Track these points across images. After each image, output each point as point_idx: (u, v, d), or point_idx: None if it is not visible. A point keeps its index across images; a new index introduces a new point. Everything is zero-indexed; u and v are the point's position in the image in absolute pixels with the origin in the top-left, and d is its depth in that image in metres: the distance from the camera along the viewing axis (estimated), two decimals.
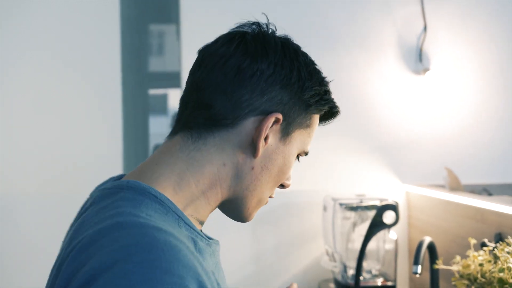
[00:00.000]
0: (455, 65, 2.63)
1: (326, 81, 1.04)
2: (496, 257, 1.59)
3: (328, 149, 2.52)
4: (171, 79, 2.67)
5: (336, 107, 1.05)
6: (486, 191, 2.42)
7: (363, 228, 2.24)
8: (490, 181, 2.57)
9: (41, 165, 2.46)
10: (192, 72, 1.00)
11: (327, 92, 1.03)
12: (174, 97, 2.78)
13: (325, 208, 2.40)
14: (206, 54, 0.99)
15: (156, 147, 2.82)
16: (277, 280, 2.51)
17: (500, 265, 1.54)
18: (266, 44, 0.98)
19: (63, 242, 0.97)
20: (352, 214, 2.31)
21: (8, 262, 2.42)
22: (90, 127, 2.50)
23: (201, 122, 0.96)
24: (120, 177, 1.00)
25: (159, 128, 2.85)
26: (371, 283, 2.28)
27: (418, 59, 2.60)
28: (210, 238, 0.99)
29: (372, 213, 2.24)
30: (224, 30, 1.02)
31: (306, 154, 1.06)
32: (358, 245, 2.24)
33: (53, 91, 2.48)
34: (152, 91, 2.79)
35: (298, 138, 1.01)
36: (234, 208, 1.01)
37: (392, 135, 2.59)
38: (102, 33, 2.51)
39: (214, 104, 0.96)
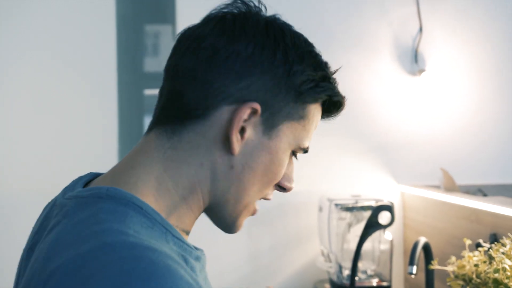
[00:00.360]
0: (451, 66, 2.63)
1: (325, 65, 0.90)
2: (491, 258, 1.59)
3: (323, 150, 2.52)
4: None
5: (336, 94, 0.90)
6: (481, 191, 2.43)
7: (359, 228, 2.24)
8: (485, 182, 2.58)
9: (36, 164, 2.45)
10: (168, 59, 0.89)
11: (326, 78, 0.89)
12: None
13: (320, 209, 2.40)
14: (183, 37, 0.87)
15: None
16: (273, 280, 2.51)
17: (495, 266, 1.55)
18: (246, 22, 0.85)
19: (24, 266, 0.86)
20: (347, 215, 2.31)
21: (8, 262, 2.42)
22: (86, 127, 2.49)
23: (173, 115, 0.84)
24: (90, 178, 0.89)
25: None
26: (366, 284, 2.28)
27: (414, 60, 2.60)
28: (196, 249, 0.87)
29: (367, 214, 2.24)
30: None
31: (305, 151, 0.91)
32: (353, 245, 2.24)
33: (49, 91, 2.47)
34: (148, 91, 2.79)
35: (288, 131, 0.86)
36: (217, 216, 0.89)
37: (388, 135, 2.59)
38: (98, 33, 2.51)
39: (184, 92, 0.83)
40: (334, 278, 2.31)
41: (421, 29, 2.59)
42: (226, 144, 0.83)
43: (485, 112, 2.65)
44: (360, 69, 2.57)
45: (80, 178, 0.89)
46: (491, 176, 2.62)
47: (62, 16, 2.48)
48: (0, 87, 2.44)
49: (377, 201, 2.28)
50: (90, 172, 0.90)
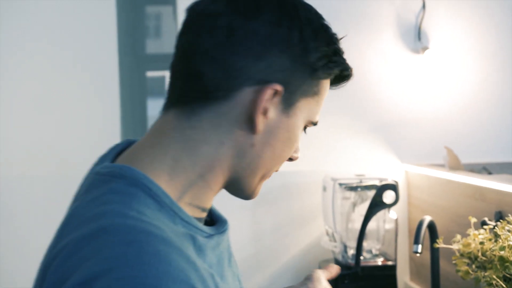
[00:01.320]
0: (454, 43, 2.61)
1: (335, 38, 0.91)
2: (496, 236, 1.59)
3: (327, 129, 2.51)
4: (169, 61, 2.65)
5: (347, 68, 0.92)
6: (486, 169, 2.42)
7: (363, 208, 2.24)
8: (490, 160, 2.56)
9: (41, 149, 2.45)
10: (180, 35, 0.88)
11: (337, 52, 0.90)
12: None
13: (324, 188, 2.39)
14: (194, 13, 0.87)
15: None
16: (277, 261, 2.51)
17: (500, 243, 1.54)
18: None
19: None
20: (352, 194, 2.31)
21: (8, 260, 2.42)
22: (87, 111, 2.48)
23: (193, 96, 0.85)
24: (125, 146, 0.91)
25: (157, 110, 2.85)
26: (371, 263, 2.28)
27: (417, 38, 2.58)
28: (218, 220, 0.93)
29: (372, 193, 2.23)
30: None
31: (314, 124, 0.94)
32: (358, 225, 2.24)
33: (50, 75, 2.46)
34: (150, 73, 2.77)
35: (304, 108, 0.88)
36: (237, 188, 0.91)
37: (391, 114, 2.58)
38: (98, 15, 2.49)
39: (204, 73, 0.83)
40: (339, 257, 2.31)
41: (424, 6, 2.57)
42: (248, 123, 0.84)
43: (489, 89, 2.63)
44: (363, 47, 2.55)
45: (115, 146, 0.92)
46: (496, 154, 2.60)
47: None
48: (1, 74, 2.43)
49: (381, 180, 2.28)
50: (126, 140, 0.93)
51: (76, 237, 0.73)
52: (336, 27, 2.75)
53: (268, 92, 0.83)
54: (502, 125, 2.63)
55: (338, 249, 2.31)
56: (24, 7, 2.43)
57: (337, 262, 2.33)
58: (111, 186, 0.79)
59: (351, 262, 2.26)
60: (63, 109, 2.47)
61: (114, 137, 2.48)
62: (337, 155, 2.54)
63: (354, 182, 2.31)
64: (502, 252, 1.53)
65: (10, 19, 2.43)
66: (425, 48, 2.56)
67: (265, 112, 0.84)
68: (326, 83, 0.91)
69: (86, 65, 2.49)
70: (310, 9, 0.88)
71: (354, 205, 2.31)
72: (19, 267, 2.41)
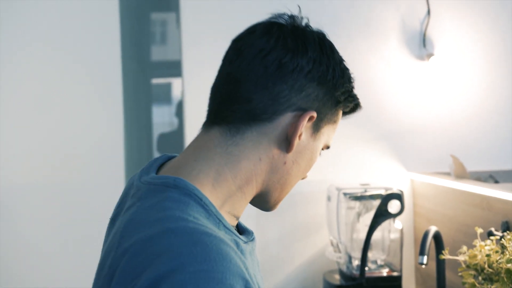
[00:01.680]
0: (460, 50, 2.58)
1: (353, 78, 1.06)
2: (503, 247, 1.56)
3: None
4: (174, 68, 2.63)
5: (359, 103, 1.08)
6: (492, 178, 2.39)
7: (368, 218, 2.22)
8: (497, 168, 2.53)
9: (43, 155, 2.44)
10: (229, 62, 1.01)
11: (353, 89, 1.05)
12: (177, 87, 2.75)
13: (329, 198, 2.37)
14: (244, 44, 1.00)
15: (162, 136, 2.80)
16: (282, 271, 2.48)
17: (507, 256, 1.52)
18: (306, 40, 1.00)
19: (108, 233, 1.02)
20: (356, 204, 2.28)
21: (8, 260, 2.41)
22: (90, 118, 2.47)
23: (239, 116, 0.98)
24: (163, 161, 1.03)
25: (162, 117, 2.83)
26: (376, 274, 2.25)
27: (422, 45, 2.55)
28: (244, 230, 1.04)
29: (376, 203, 2.21)
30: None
31: (328, 147, 1.09)
32: (363, 235, 2.21)
33: (53, 82, 2.45)
34: (155, 80, 2.76)
35: (325, 133, 1.04)
36: (263, 200, 1.04)
37: (396, 122, 2.55)
38: (102, 21, 2.48)
39: (253, 98, 0.97)
40: (344, 268, 2.28)
41: (429, 13, 2.54)
42: (284, 143, 0.99)
43: (495, 96, 2.60)
44: (368, 54, 2.53)
45: (156, 160, 1.04)
46: (502, 161, 2.57)
47: (64, 6, 2.45)
48: (3, 77, 2.42)
49: (386, 189, 2.25)
50: (164, 154, 1.05)
51: (143, 237, 0.84)
52: (341, 34, 2.74)
53: (306, 118, 0.97)
54: (508, 133, 2.60)
55: (342, 259, 2.28)
56: (26, 14, 2.43)
57: (341, 273, 2.30)
58: (167, 194, 0.91)
59: (356, 273, 2.23)
60: (66, 115, 2.46)
61: (117, 144, 2.47)
62: (341, 164, 2.52)
63: (358, 191, 2.28)
64: (509, 265, 1.50)
65: (13, 27, 2.43)
66: (430, 55, 2.54)
67: (300, 135, 0.98)
68: (341, 112, 1.06)
69: (90, 72, 2.48)
70: (338, 52, 1.04)
71: (359, 215, 2.28)
72: (19, 267, 2.40)
